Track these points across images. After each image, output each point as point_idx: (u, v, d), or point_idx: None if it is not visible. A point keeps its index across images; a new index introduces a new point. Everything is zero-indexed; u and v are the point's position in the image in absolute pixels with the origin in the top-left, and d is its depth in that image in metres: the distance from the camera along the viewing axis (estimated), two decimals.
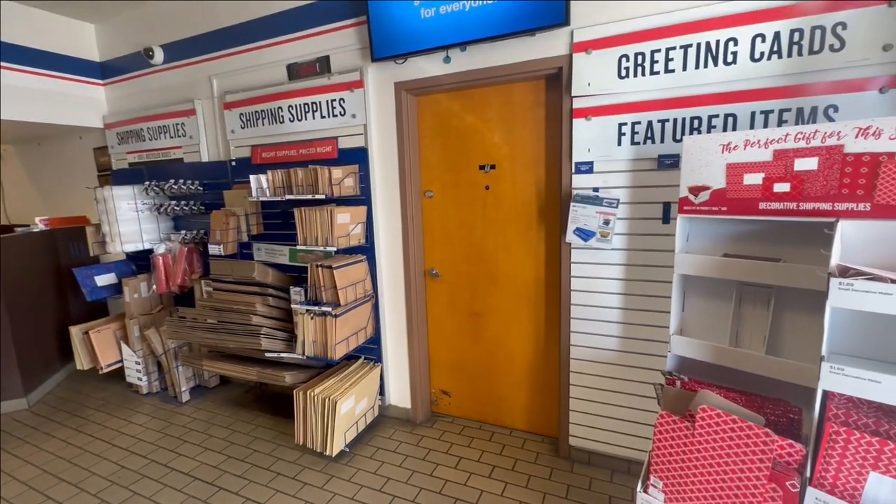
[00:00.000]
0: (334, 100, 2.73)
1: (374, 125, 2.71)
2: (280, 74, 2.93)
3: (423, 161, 2.76)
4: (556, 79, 2.25)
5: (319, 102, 2.78)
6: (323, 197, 2.54)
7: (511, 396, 2.80)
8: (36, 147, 4.68)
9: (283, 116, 2.92)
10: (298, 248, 2.57)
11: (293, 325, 2.64)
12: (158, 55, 3.40)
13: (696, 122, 1.93)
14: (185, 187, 3.31)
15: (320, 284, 2.52)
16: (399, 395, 3.00)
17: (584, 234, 2.18)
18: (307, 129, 2.86)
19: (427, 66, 2.49)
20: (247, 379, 3.00)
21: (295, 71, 2.86)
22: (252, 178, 2.69)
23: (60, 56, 3.58)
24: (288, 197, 2.63)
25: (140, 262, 3.71)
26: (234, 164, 3.20)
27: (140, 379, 3.44)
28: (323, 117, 2.79)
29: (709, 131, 1.91)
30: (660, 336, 2.14)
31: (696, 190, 1.57)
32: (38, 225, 3.87)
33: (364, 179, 2.74)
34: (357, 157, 2.74)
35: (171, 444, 2.80)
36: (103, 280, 3.50)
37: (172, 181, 3.30)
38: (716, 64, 1.85)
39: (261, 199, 2.70)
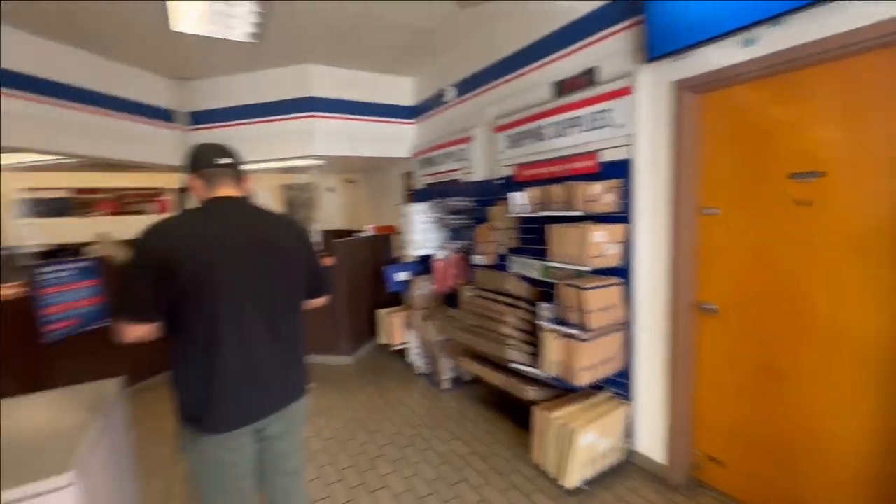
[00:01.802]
0: (598, 111, 2.58)
1: (644, 134, 2.41)
2: (544, 94, 3.01)
3: (704, 171, 2.28)
4: None
5: (581, 116, 2.69)
6: (580, 213, 2.43)
7: (825, 495, 1.96)
8: (374, 174, 6.43)
9: (544, 134, 2.97)
10: (549, 264, 2.55)
11: (538, 339, 2.64)
12: (450, 93, 4.06)
13: None
14: (460, 203, 3.83)
15: (568, 304, 2.42)
16: (649, 444, 2.57)
17: None
18: (567, 145, 2.81)
19: (717, 57, 2.04)
20: (493, 383, 3.20)
21: (560, 87, 2.87)
22: (510, 195, 2.85)
23: (392, 105, 4.80)
24: (543, 213, 2.64)
25: (424, 264, 4.52)
26: (500, 182, 3.48)
27: (417, 360, 4.18)
28: (584, 131, 2.69)
29: None
30: None
31: None
32: (369, 231, 5.26)
33: (625, 195, 2.48)
34: (620, 171, 2.50)
35: (432, 423, 3.27)
36: (401, 276, 4.44)
37: (451, 198, 3.87)
38: None
39: (517, 215, 2.82)
